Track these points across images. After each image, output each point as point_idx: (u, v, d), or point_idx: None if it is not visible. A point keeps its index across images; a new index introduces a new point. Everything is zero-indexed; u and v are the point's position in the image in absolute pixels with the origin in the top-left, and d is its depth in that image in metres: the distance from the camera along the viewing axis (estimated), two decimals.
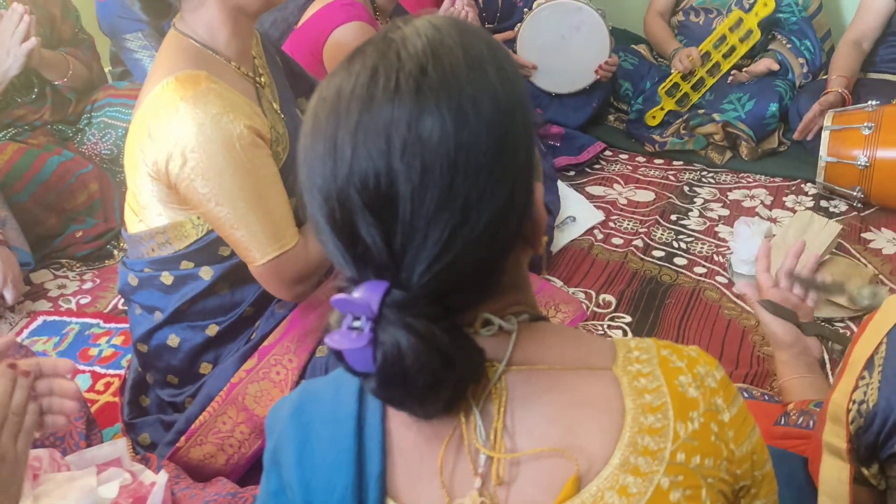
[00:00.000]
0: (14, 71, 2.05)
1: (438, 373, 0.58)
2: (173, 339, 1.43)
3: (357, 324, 0.57)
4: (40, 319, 1.92)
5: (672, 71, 2.73)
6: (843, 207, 2.34)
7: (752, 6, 2.67)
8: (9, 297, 1.86)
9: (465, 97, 0.59)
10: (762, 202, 2.41)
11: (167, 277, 1.40)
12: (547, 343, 0.66)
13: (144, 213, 1.35)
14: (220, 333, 1.42)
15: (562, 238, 2.19)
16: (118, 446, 1.28)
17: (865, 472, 0.88)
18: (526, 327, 0.66)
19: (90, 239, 2.14)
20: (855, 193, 2.28)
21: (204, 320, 1.42)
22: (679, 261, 2.13)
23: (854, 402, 0.86)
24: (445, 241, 0.58)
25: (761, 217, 2.31)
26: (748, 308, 1.89)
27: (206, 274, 1.38)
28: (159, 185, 1.28)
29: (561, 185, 2.38)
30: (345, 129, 0.59)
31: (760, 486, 0.68)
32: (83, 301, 2.01)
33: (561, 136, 2.66)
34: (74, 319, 1.92)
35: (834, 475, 0.89)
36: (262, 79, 1.41)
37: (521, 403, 0.63)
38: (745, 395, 1.28)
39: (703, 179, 2.57)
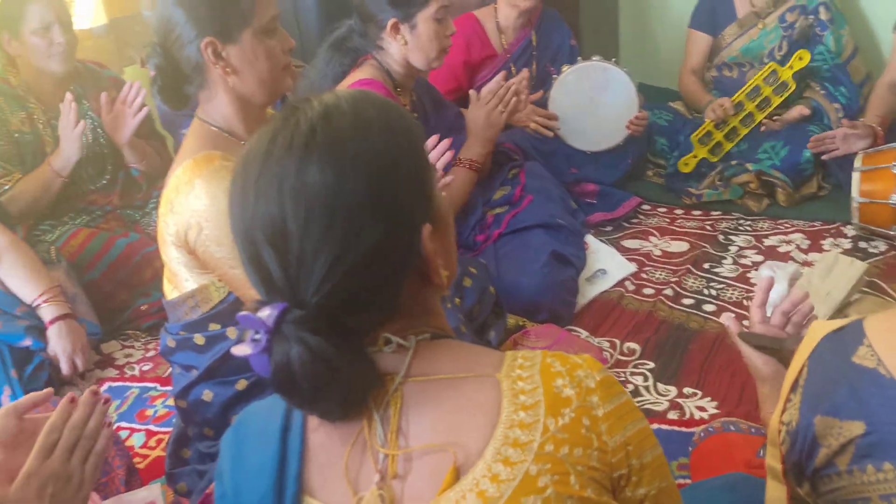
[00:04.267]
0: (74, 156, 2.32)
1: (322, 379, 0.69)
2: (207, 394, 1.57)
3: (257, 336, 0.69)
4: (106, 385, 2.11)
5: (705, 120, 2.78)
6: (883, 247, 2.32)
7: (786, 59, 2.71)
8: (79, 363, 2.06)
9: (346, 155, 0.71)
10: (797, 246, 2.41)
11: (199, 339, 1.55)
12: (443, 357, 0.76)
13: (176, 280, 1.52)
14: (249, 388, 1.55)
15: (591, 290, 2.25)
16: (153, 490, 1.41)
17: (800, 491, 0.91)
18: (426, 345, 0.76)
19: (154, 311, 2.34)
20: (892, 233, 2.26)
21: (233, 376, 1.56)
22: (708, 307, 2.15)
23: (783, 423, 0.90)
24: (328, 269, 0.70)
25: (795, 261, 2.31)
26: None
27: (232, 334, 1.52)
28: (182, 253, 1.45)
29: (591, 239, 2.45)
30: (250, 180, 0.73)
31: (641, 475, 0.74)
32: (145, 368, 2.19)
33: (596, 193, 2.74)
34: (135, 384, 2.11)
35: (775, 496, 0.93)
36: None
37: (414, 409, 0.73)
38: (732, 428, 1.31)
39: (741, 227, 2.59)
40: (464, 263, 1.92)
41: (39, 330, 2.03)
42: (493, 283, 2.00)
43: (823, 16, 2.79)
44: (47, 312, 2.04)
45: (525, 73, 2.34)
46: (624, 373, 1.91)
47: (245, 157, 0.75)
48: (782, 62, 2.72)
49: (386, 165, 0.72)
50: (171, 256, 1.47)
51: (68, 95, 2.30)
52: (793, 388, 0.90)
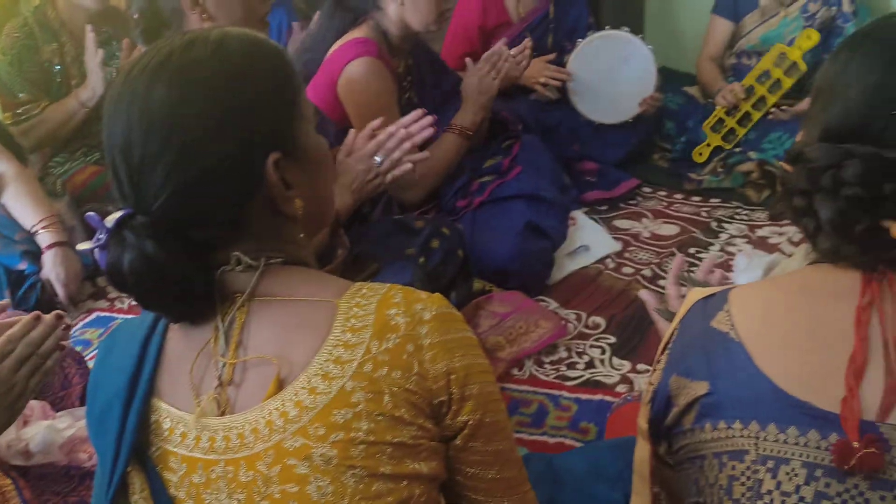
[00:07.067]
0: (99, 88, 2.37)
1: (147, 281, 0.75)
2: None
3: (100, 236, 0.76)
4: (94, 315, 2.22)
5: (716, 107, 2.76)
6: None
7: (793, 40, 2.67)
8: (71, 289, 2.16)
9: (194, 76, 0.77)
10: (789, 239, 2.39)
11: None
12: (291, 280, 0.81)
13: None
14: None
15: (570, 264, 2.28)
16: None
17: (660, 450, 0.94)
18: (277, 269, 0.82)
19: None
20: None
21: None
22: (684, 290, 2.16)
23: (650, 383, 0.93)
24: (165, 178, 0.75)
25: (783, 253, 2.29)
26: None
27: None
28: None
29: (580, 215, 2.47)
30: (112, 98, 0.79)
31: (462, 405, 0.78)
32: (134, 302, 2.28)
33: (596, 172, 2.74)
34: (121, 316, 2.21)
35: (640, 455, 0.96)
36: None
37: (255, 325, 0.79)
38: (629, 399, 1.33)
39: (736, 217, 2.57)
40: (436, 224, 1.96)
41: (35, 255, 2.13)
42: (467, 248, 2.03)
43: (847, 7, 2.73)
44: (44, 238, 2.14)
45: (527, 42, 2.36)
46: (584, 345, 1.94)
47: (113, 79, 0.82)
48: (791, 43, 2.67)
49: (234, 91, 0.77)
50: None
51: (88, 27, 2.39)
52: (662, 350, 0.93)
